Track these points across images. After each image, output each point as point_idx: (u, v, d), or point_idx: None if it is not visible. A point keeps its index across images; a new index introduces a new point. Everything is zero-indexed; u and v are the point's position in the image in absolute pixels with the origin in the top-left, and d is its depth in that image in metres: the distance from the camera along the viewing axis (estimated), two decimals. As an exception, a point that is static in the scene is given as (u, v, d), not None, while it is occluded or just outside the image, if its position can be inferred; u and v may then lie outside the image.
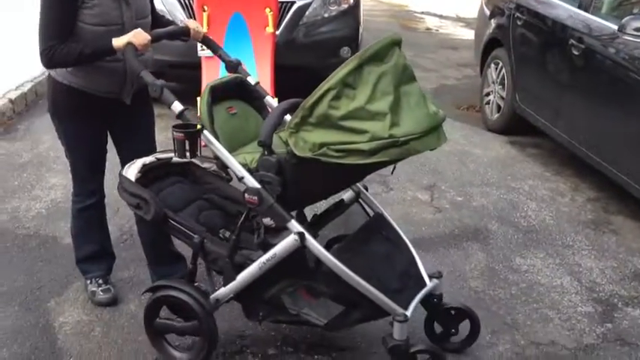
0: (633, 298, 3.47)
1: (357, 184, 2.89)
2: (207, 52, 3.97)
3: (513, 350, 2.98)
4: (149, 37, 2.70)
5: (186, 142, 2.49)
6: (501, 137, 5.86)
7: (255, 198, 2.44)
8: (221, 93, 2.79)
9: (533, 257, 3.83)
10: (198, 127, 2.52)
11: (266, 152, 2.43)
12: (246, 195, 2.46)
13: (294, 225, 2.44)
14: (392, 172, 2.75)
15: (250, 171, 2.48)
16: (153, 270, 3.27)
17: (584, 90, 4.70)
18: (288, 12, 5.99)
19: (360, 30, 6.65)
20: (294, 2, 6.02)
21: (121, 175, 2.79)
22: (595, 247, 4.00)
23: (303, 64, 6.00)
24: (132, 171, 2.82)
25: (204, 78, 5.30)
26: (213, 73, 5.16)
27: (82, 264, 3.26)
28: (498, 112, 5.95)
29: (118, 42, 2.66)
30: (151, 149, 3.12)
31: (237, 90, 2.91)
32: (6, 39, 7.56)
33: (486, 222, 4.25)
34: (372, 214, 2.90)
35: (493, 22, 6.23)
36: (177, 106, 2.58)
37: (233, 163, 2.52)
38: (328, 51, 6.13)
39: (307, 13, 6.09)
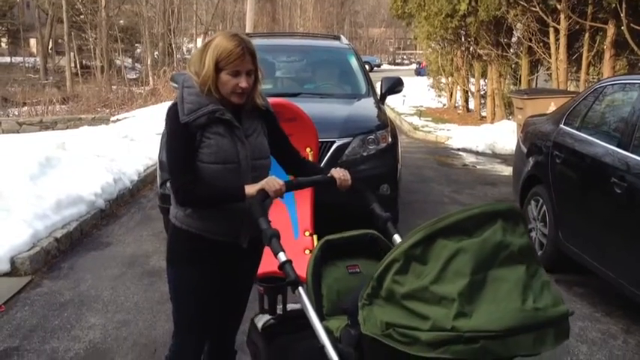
0: None
1: None
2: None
3: None
4: (282, 184, 2.63)
5: (265, 297, 2.33)
6: (546, 275, 5.70)
7: None
8: (342, 249, 2.58)
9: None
10: (291, 282, 2.33)
11: (349, 322, 2.17)
12: None
13: None
14: None
15: (337, 340, 2.22)
16: None
17: (629, 228, 4.60)
18: (328, 151, 6.13)
19: (399, 167, 6.74)
20: (334, 142, 6.17)
21: (251, 321, 2.70)
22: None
23: (342, 201, 5.96)
24: (264, 317, 2.67)
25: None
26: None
27: None
28: (541, 249, 5.84)
29: (250, 189, 2.62)
30: (244, 297, 2.99)
31: (369, 248, 2.62)
32: (54, 178, 7.83)
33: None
34: None
35: (531, 160, 6.27)
36: (282, 257, 2.45)
37: (317, 329, 2.25)
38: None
39: (347, 151, 6.22)
